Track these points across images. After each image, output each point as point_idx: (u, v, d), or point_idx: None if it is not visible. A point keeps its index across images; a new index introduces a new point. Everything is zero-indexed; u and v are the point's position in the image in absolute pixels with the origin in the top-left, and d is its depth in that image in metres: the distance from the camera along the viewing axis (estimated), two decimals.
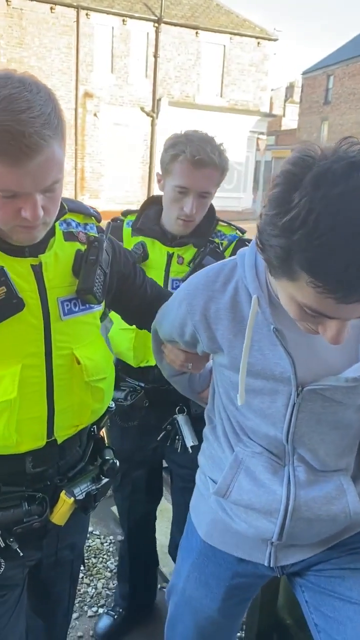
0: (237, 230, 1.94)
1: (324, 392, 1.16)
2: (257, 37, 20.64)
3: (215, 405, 1.38)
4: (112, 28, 18.14)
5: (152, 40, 18.81)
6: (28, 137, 0.97)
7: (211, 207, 1.90)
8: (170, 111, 19.14)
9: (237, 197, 21.09)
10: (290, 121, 43.75)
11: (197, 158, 1.69)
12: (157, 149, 18.89)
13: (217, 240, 1.88)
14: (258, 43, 20.72)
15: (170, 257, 1.85)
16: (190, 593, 1.44)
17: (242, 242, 1.90)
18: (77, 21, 17.45)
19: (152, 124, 19.30)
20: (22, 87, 0.99)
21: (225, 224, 1.95)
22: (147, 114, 19.22)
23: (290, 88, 49.00)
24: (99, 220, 1.38)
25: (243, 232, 1.95)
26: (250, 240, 1.92)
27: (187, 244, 1.85)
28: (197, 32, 19.44)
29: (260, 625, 2.01)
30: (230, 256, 1.83)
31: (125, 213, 1.98)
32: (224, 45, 20.19)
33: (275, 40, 21.22)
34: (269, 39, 21.00)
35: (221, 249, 1.86)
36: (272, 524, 1.24)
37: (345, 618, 1.23)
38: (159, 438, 1.97)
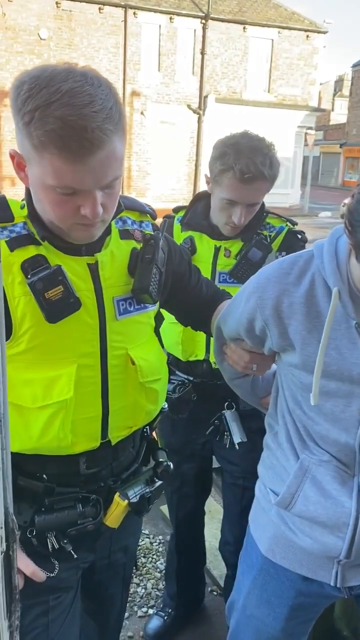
0: (288, 222, 1.90)
1: None
2: (306, 30, 20.30)
3: (279, 409, 1.32)
4: (159, 26, 18.19)
5: (199, 37, 18.76)
6: (90, 132, 0.95)
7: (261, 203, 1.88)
8: (217, 108, 19.06)
9: (285, 194, 20.82)
10: (338, 115, 42.95)
11: (246, 176, 1.66)
12: (203, 146, 18.87)
13: (265, 232, 1.85)
14: (307, 36, 20.36)
15: (217, 250, 1.85)
16: (252, 611, 1.38)
17: (292, 234, 1.87)
18: (125, 20, 17.58)
19: (199, 121, 19.26)
20: (83, 81, 0.97)
21: (276, 217, 1.92)
22: (194, 111, 19.19)
23: (339, 81, 48.11)
24: (154, 218, 1.36)
25: (294, 223, 1.91)
26: (302, 232, 1.87)
27: (234, 237, 1.84)
28: (244, 27, 19.27)
29: (315, 637, 1.94)
30: (278, 248, 1.81)
31: (177, 209, 2.00)
32: (272, 40, 19.94)
33: (324, 32, 20.82)
34: (318, 32, 20.61)
35: (269, 240, 1.83)
36: (340, 540, 1.16)
37: None
38: (207, 432, 1.97)
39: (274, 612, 1.33)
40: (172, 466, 1.41)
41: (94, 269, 1.17)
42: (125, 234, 1.25)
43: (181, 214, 1.96)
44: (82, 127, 0.95)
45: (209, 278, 1.79)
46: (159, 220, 1.41)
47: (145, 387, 1.26)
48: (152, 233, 1.30)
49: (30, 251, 1.11)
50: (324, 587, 1.28)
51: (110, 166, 1.02)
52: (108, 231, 1.21)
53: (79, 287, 1.13)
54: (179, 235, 1.90)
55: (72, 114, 0.94)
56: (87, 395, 1.18)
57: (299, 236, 1.87)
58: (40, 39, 16.95)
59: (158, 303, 1.33)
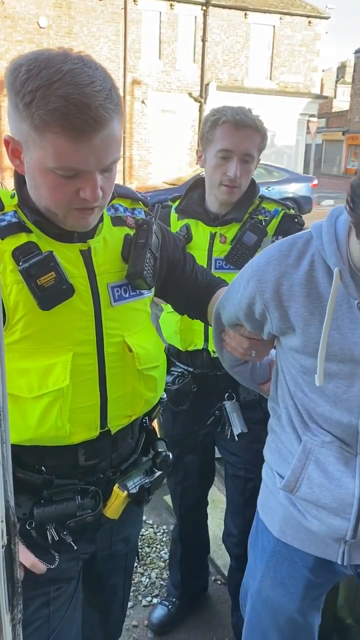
0: (283, 207, 1.89)
1: None
2: (307, 16, 20.07)
3: (279, 393, 1.32)
4: (160, 13, 18.00)
5: (200, 24, 18.57)
6: (94, 110, 0.96)
7: (253, 181, 1.89)
8: (219, 96, 18.88)
9: None
10: (341, 102, 42.58)
11: (238, 117, 1.71)
12: None
13: (260, 217, 1.84)
14: (309, 22, 20.14)
15: (212, 236, 1.84)
16: (267, 594, 1.39)
17: (288, 218, 1.85)
18: (125, 8, 17.40)
19: (200, 110, 19.12)
20: (81, 63, 0.98)
21: (271, 201, 1.91)
22: (195, 100, 19.04)
23: (341, 68, 47.61)
24: (146, 205, 1.35)
25: (289, 207, 1.90)
26: (299, 216, 1.87)
27: (229, 222, 1.83)
28: (245, 14, 19.06)
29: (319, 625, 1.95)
30: (274, 232, 1.81)
31: (174, 198, 2.00)
32: (274, 26, 19.74)
33: (327, 18, 20.59)
34: (320, 17, 20.38)
35: (264, 224, 1.82)
36: (345, 521, 1.18)
37: None
38: (208, 423, 1.96)
39: (289, 593, 1.35)
40: (171, 456, 1.41)
41: (86, 256, 1.16)
42: (117, 221, 1.24)
43: (177, 203, 1.95)
44: (86, 105, 0.95)
45: (205, 265, 1.79)
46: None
47: (144, 375, 1.25)
48: (145, 219, 1.29)
49: (22, 239, 1.10)
50: (333, 565, 1.30)
51: (110, 147, 1.03)
52: (100, 218, 1.20)
53: (72, 273, 1.12)
54: (176, 224, 1.90)
55: (75, 93, 0.94)
56: (85, 384, 1.17)
57: (296, 220, 1.86)
58: (40, 27, 16.80)
59: (154, 289, 1.32)
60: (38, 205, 1.10)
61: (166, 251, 1.37)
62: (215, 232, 1.84)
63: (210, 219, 1.85)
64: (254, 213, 1.84)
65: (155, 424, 1.48)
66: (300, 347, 1.17)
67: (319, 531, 1.24)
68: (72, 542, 1.22)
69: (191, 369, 1.95)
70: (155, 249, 1.26)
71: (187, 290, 1.49)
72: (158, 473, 1.37)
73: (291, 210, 1.88)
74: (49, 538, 1.21)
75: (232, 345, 1.39)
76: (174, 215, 1.93)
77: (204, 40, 18.62)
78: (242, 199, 1.85)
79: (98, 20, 17.38)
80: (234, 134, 1.73)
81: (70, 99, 0.94)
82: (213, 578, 2.55)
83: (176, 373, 1.96)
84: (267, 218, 1.84)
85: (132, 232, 1.25)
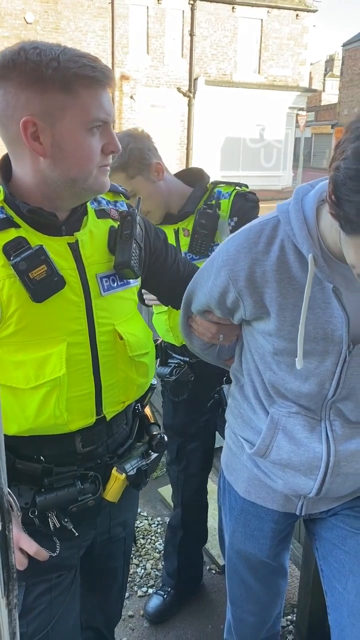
0: (234, 186, 1.88)
1: None
2: (295, 9, 20.04)
3: (244, 367, 1.37)
4: (147, 8, 17.92)
5: (188, 18, 18.49)
6: (104, 66, 1.10)
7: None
8: (208, 90, 18.88)
9: (277, 176, 20.72)
10: (329, 96, 42.58)
11: None
12: (194, 130, 18.70)
13: (213, 202, 1.85)
14: (297, 15, 20.11)
15: (177, 233, 1.88)
16: (239, 547, 1.50)
17: (240, 197, 1.85)
18: (112, 2, 17.30)
19: (189, 105, 19.07)
20: (68, 47, 1.09)
21: (221, 184, 1.91)
22: (184, 95, 18.98)
23: (330, 61, 47.64)
24: (127, 198, 1.38)
25: (241, 185, 1.90)
26: (251, 193, 1.86)
27: (187, 216, 1.86)
28: (233, 7, 19.01)
29: (312, 608, 1.98)
30: (229, 214, 1.81)
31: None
32: (261, 20, 19.69)
33: (314, 11, 20.57)
34: (308, 10, 20.36)
35: (213, 207, 1.83)
36: (312, 481, 1.26)
37: (348, 572, 1.29)
38: (208, 405, 2.01)
39: (258, 544, 1.46)
40: (166, 438, 1.45)
41: (74, 248, 1.19)
42: (101, 213, 1.28)
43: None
44: (98, 62, 1.10)
45: None
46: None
47: (135, 361, 1.29)
48: (128, 210, 1.32)
49: (11, 234, 1.12)
50: (292, 515, 1.42)
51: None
52: (85, 211, 1.24)
53: (62, 266, 1.15)
54: None
55: (83, 56, 1.07)
56: (80, 373, 1.20)
57: (246, 197, 1.86)
58: (27, 22, 16.66)
59: (140, 279, 1.35)
60: (64, 179, 1.11)
61: (149, 242, 1.40)
62: (178, 228, 1.87)
63: (172, 218, 1.88)
64: (208, 200, 1.86)
65: (147, 410, 1.50)
66: (274, 330, 1.19)
67: (283, 490, 1.33)
68: (72, 529, 1.26)
69: (187, 359, 1.98)
70: (140, 239, 1.30)
71: (170, 281, 1.52)
72: (154, 455, 1.42)
73: (243, 188, 1.88)
74: (51, 525, 1.24)
75: (200, 330, 1.43)
76: None
77: (192, 35, 18.54)
78: (192, 193, 1.88)
79: (85, 15, 17.27)
80: None
81: (82, 61, 1.06)
82: (208, 567, 2.58)
83: (173, 364, 1.99)
84: (215, 200, 1.85)
85: (116, 224, 1.28)
